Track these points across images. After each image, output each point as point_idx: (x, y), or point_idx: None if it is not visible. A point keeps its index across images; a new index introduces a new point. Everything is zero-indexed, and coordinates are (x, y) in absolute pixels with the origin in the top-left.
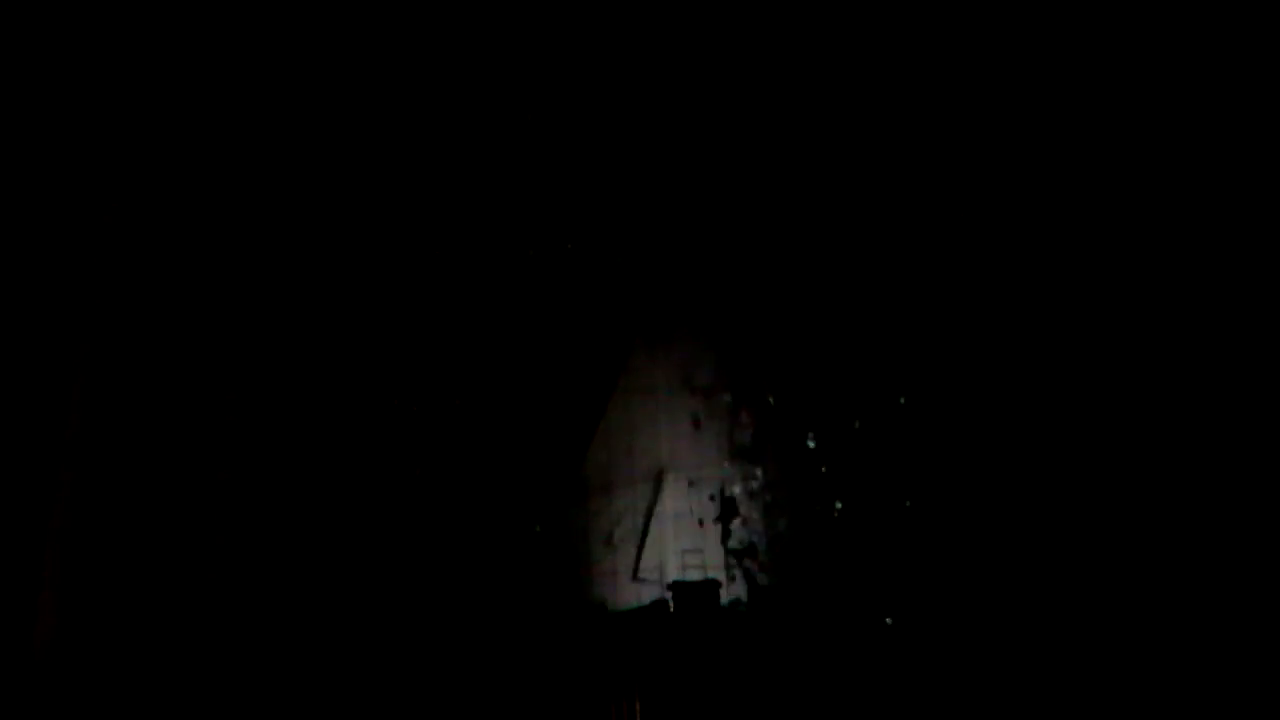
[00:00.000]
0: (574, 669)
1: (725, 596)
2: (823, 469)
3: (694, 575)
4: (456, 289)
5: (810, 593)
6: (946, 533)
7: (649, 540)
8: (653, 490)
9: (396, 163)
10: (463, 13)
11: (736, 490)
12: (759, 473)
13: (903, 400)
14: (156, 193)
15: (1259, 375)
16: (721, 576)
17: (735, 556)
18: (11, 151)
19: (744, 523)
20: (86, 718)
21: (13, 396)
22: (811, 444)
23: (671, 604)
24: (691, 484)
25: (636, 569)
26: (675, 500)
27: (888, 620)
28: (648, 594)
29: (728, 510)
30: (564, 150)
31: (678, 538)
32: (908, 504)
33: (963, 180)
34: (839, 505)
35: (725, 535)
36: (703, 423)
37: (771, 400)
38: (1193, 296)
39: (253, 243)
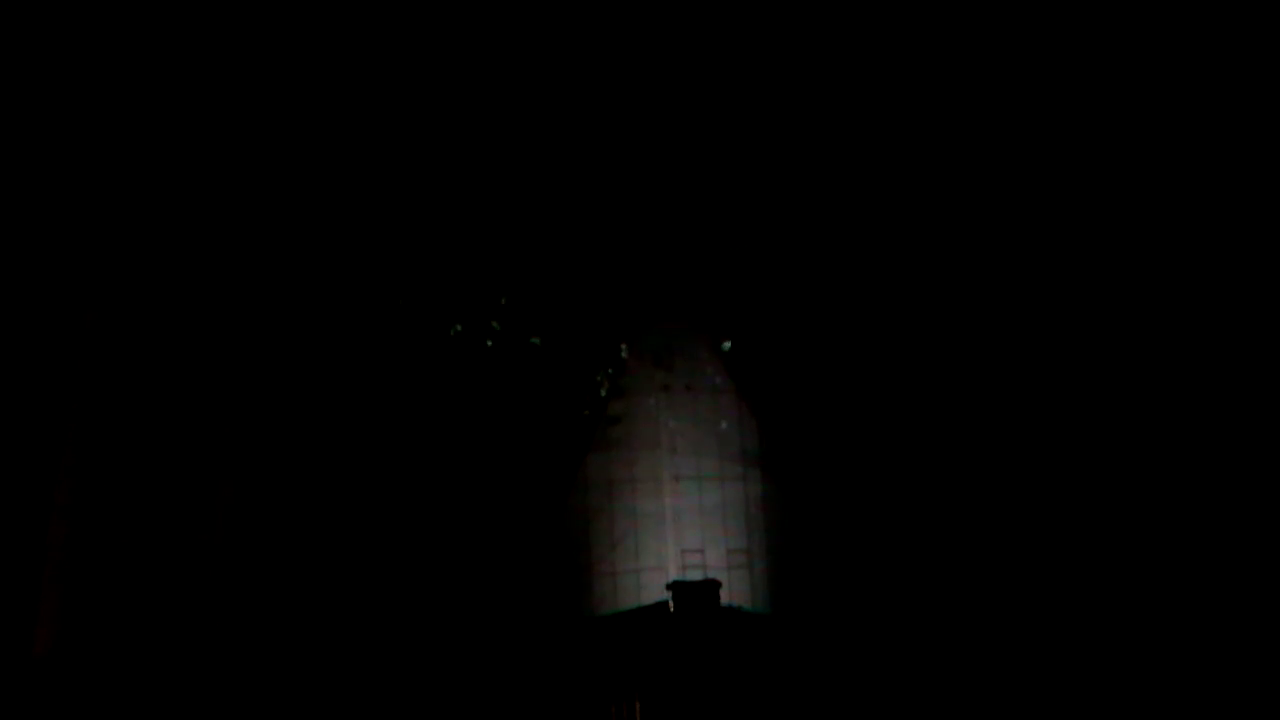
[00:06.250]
0: (574, 669)
1: (725, 597)
2: (821, 470)
3: (694, 575)
4: (457, 292)
5: (810, 593)
6: (947, 533)
7: (649, 540)
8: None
9: (398, 170)
10: (465, 13)
11: (737, 489)
12: (759, 472)
13: (904, 400)
14: (161, 196)
15: (1257, 376)
16: (722, 576)
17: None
18: (13, 153)
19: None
20: (86, 718)
21: (13, 400)
22: (727, 346)
23: (671, 604)
24: (692, 483)
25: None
26: (676, 500)
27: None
28: (648, 594)
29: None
30: (566, 153)
31: (678, 538)
32: (907, 505)
33: (962, 182)
34: (837, 505)
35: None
36: (703, 422)
37: (727, 346)
38: (1191, 297)
39: (255, 251)
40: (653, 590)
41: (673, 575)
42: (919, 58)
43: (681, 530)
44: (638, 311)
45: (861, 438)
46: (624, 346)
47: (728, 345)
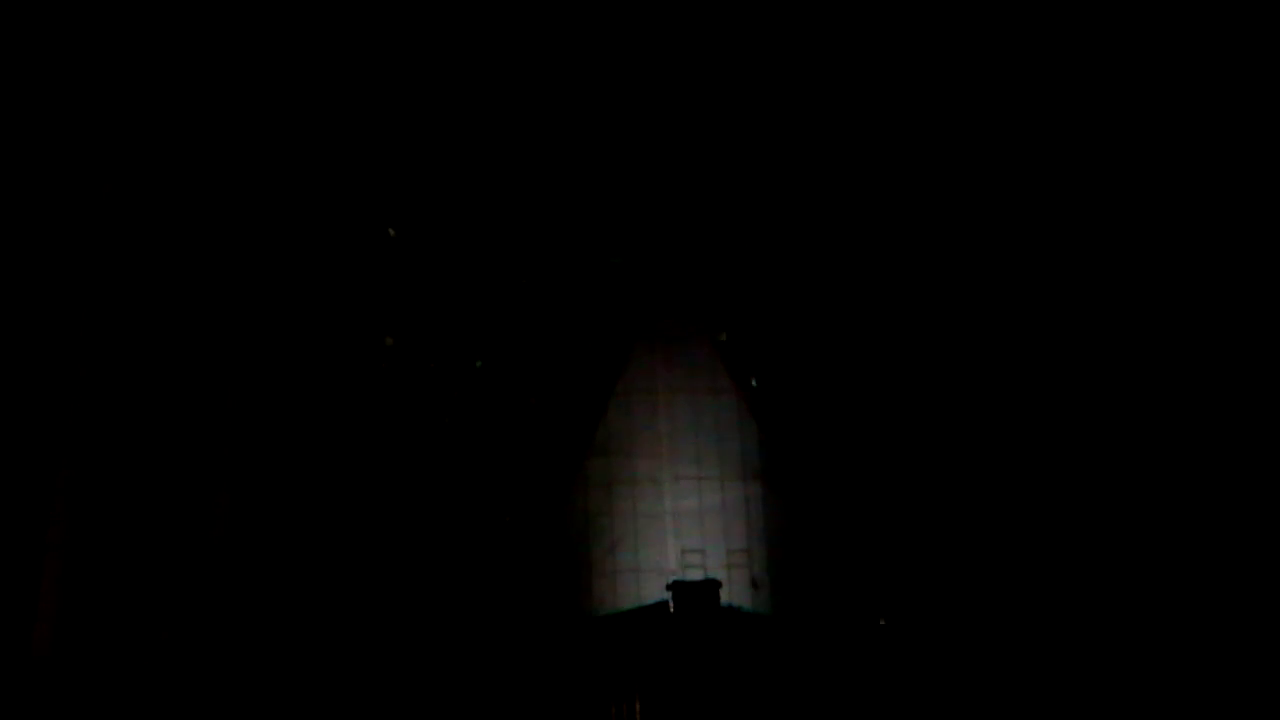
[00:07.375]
0: (574, 669)
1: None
2: (823, 471)
3: (694, 575)
4: (457, 292)
5: (810, 593)
6: (945, 533)
7: (649, 540)
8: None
9: (398, 171)
10: (466, 13)
11: (737, 490)
12: (759, 473)
13: (904, 400)
14: (161, 198)
15: (1257, 377)
16: (722, 577)
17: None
18: (13, 154)
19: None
20: (86, 718)
21: (13, 402)
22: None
23: (671, 604)
24: (692, 484)
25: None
26: (675, 500)
27: (881, 621)
28: (648, 594)
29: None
30: (569, 154)
31: (678, 538)
32: (905, 504)
33: (963, 182)
34: (838, 506)
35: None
36: (704, 424)
37: (755, 383)
38: (1191, 298)
39: (253, 250)
40: (653, 590)
41: (673, 575)
42: (919, 59)
43: (681, 531)
44: (640, 315)
45: (860, 439)
46: (627, 349)
47: (723, 336)
